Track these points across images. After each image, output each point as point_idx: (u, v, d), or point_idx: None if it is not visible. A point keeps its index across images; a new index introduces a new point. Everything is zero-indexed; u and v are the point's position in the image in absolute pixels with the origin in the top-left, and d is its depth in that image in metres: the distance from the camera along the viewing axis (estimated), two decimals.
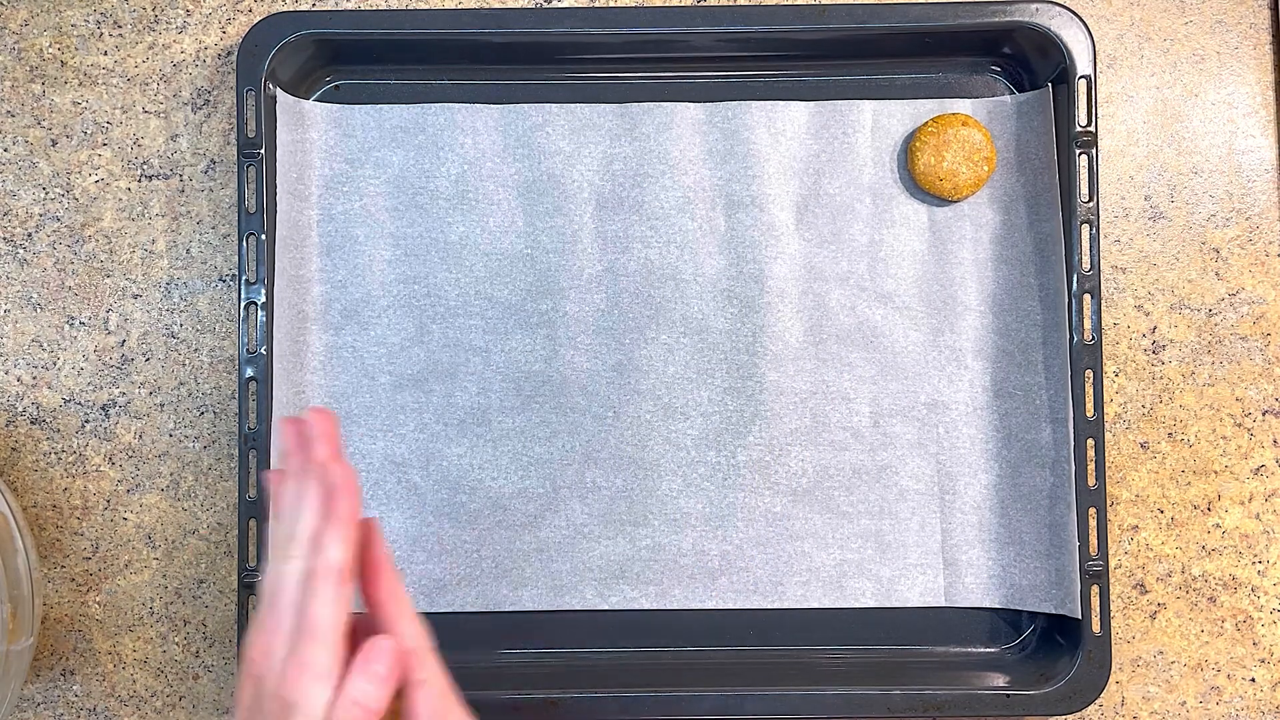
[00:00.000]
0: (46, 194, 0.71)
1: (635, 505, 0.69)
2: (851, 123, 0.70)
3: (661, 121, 0.70)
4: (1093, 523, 0.68)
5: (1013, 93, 0.71)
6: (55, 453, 0.70)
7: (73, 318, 0.71)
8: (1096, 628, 0.67)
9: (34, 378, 0.70)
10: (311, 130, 0.70)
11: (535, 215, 0.70)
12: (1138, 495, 0.71)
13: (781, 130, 0.70)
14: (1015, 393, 0.69)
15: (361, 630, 0.49)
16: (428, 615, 0.69)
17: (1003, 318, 0.70)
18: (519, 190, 0.70)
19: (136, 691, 0.70)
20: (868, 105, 0.70)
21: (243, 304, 0.68)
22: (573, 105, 0.70)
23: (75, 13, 0.72)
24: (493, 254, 0.70)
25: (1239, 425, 0.71)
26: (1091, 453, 0.68)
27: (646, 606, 0.69)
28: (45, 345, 0.71)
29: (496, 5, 0.72)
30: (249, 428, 0.67)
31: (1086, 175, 0.69)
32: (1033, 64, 0.70)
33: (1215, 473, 0.71)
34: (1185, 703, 0.70)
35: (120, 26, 0.72)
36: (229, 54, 0.71)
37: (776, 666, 0.69)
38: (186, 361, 0.71)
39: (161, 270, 0.71)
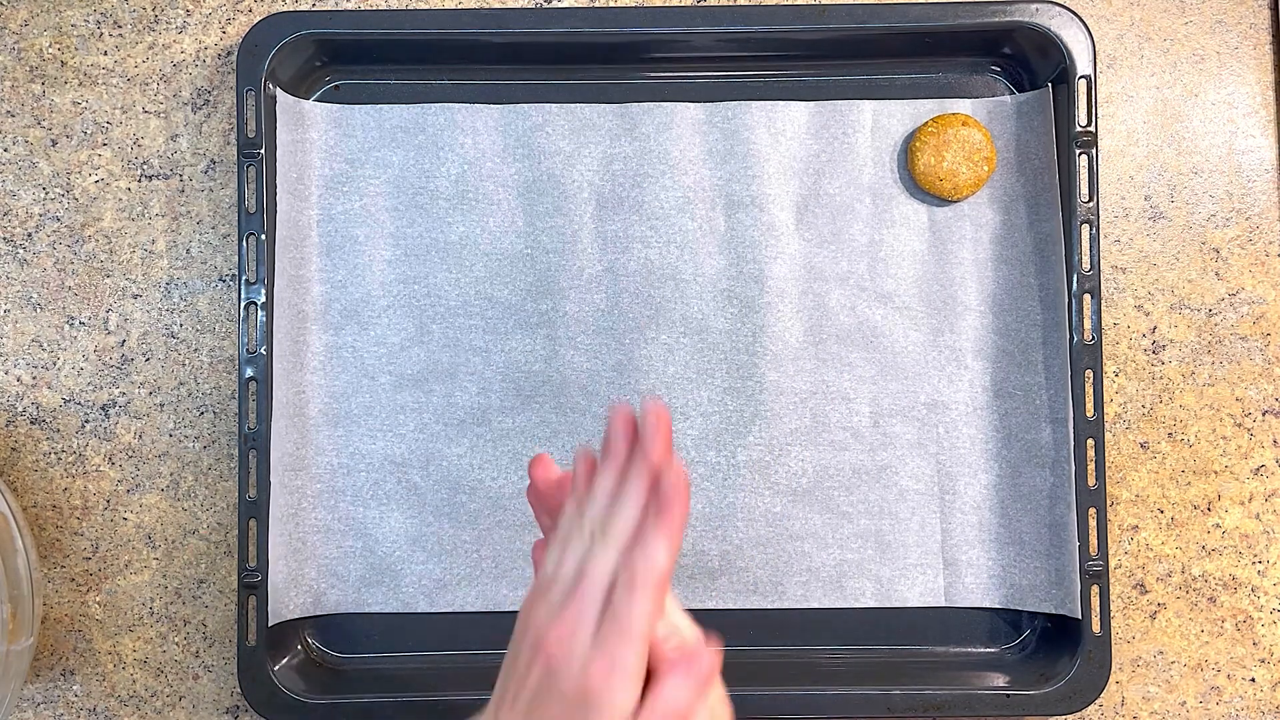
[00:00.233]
0: (46, 194, 0.71)
1: None
2: (851, 123, 0.70)
3: (661, 121, 0.70)
4: (1093, 523, 0.68)
5: (1013, 93, 0.71)
6: (55, 453, 0.70)
7: (73, 318, 0.71)
8: (1096, 628, 0.67)
9: (34, 378, 0.70)
10: (311, 130, 0.70)
11: (535, 215, 0.70)
12: (1138, 495, 0.71)
13: (781, 130, 0.70)
14: (1015, 393, 0.69)
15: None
16: (428, 615, 0.69)
17: (1003, 318, 0.70)
18: (519, 190, 0.70)
19: (136, 691, 0.70)
20: (868, 105, 0.70)
21: (243, 304, 0.68)
22: (573, 105, 0.70)
23: (75, 13, 0.72)
24: (493, 254, 0.70)
25: (1239, 425, 0.71)
26: (1091, 453, 0.68)
27: None
28: (45, 345, 0.71)
29: (496, 5, 0.72)
30: (249, 428, 0.67)
31: (1086, 175, 0.69)
32: (1033, 64, 0.70)
33: (1215, 473, 0.71)
34: (1185, 703, 0.70)
35: (120, 26, 0.72)
36: (229, 54, 0.71)
37: (776, 666, 0.69)
38: (186, 361, 0.71)
39: (161, 270, 0.71)
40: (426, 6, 0.72)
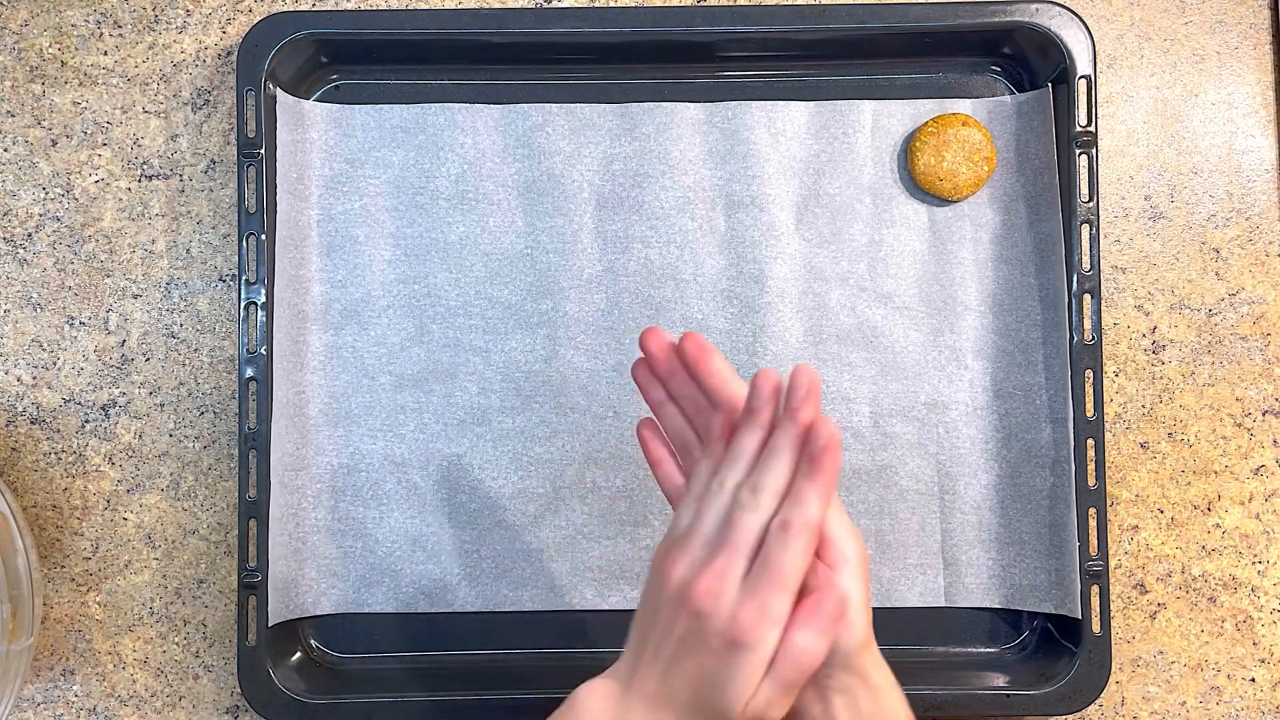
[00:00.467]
0: (46, 194, 0.71)
1: (635, 505, 0.69)
2: (851, 123, 0.70)
3: (661, 121, 0.70)
4: (1093, 523, 0.68)
5: (1013, 93, 0.71)
6: (55, 453, 0.70)
7: (73, 318, 0.71)
8: (1096, 628, 0.67)
9: (34, 378, 0.70)
10: (311, 130, 0.70)
11: (535, 215, 0.70)
12: (1138, 495, 0.71)
13: (781, 130, 0.70)
14: (1015, 393, 0.69)
15: None
16: (428, 615, 0.69)
17: (1003, 318, 0.70)
18: (519, 190, 0.70)
19: (136, 691, 0.70)
20: (868, 105, 0.70)
21: (243, 304, 0.68)
22: (573, 105, 0.70)
23: (75, 13, 0.72)
24: (493, 254, 0.70)
25: (1239, 425, 0.71)
26: (1091, 453, 0.68)
27: None
28: (45, 345, 0.71)
29: (496, 5, 0.72)
30: (249, 428, 0.67)
31: (1086, 175, 0.69)
32: (1033, 64, 0.70)
33: (1215, 473, 0.71)
34: (1185, 703, 0.70)
35: (120, 26, 0.72)
36: (229, 54, 0.71)
37: None
38: (186, 361, 0.71)
39: (161, 270, 0.71)
40: (426, 6, 0.72)
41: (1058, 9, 0.69)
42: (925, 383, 0.70)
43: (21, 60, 0.72)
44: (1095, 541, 0.67)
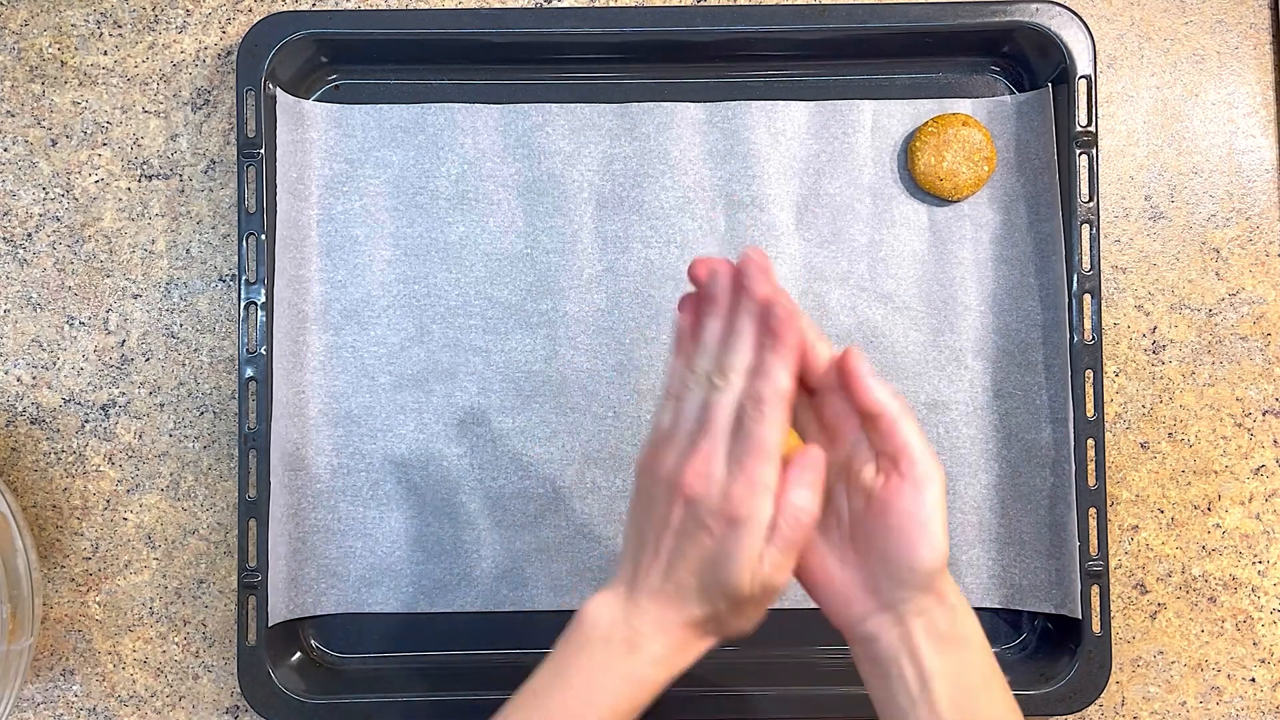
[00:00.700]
0: (46, 194, 0.71)
1: None
2: (851, 123, 0.70)
3: (661, 121, 0.70)
4: (1093, 523, 0.67)
5: (1013, 93, 0.71)
6: (55, 453, 0.70)
7: (73, 318, 0.71)
8: (1097, 628, 0.67)
9: (34, 378, 0.70)
10: (311, 130, 0.70)
11: (535, 215, 0.70)
12: (1138, 495, 0.71)
13: (781, 130, 0.70)
14: (1015, 393, 0.69)
15: None
16: (428, 615, 0.69)
17: (1003, 318, 0.70)
18: (519, 190, 0.70)
19: (136, 691, 0.70)
20: (868, 105, 0.70)
21: (243, 304, 0.68)
22: (573, 105, 0.70)
23: (75, 12, 0.72)
24: (493, 254, 0.70)
25: (1239, 425, 0.71)
26: (1091, 453, 0.68)
27: None
28: (45, 345, 0.71)
29: (496, 5, 0.72)
30: (249, 428, 0.67)
31: (1087, 175, 0.69)
32: (1033, 64, 0.70)
33: (1215, 473, 0.71)
34: (1185, 703, 0.70)
35: (120, 26, 0.72)
36: (229, 54, 0.71)
37: (776, 666, 0.69)
38: (186, 361, 0.71)
39: (161, 270, 0.71)
40: (426, 6, 0.72)
41: (1058, 9, 0.68)
42: (925, 383, 0.70)
43: (21, 60, 0.72)
44: (1095, 541, 0.67)
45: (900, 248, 0.70)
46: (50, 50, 0.72)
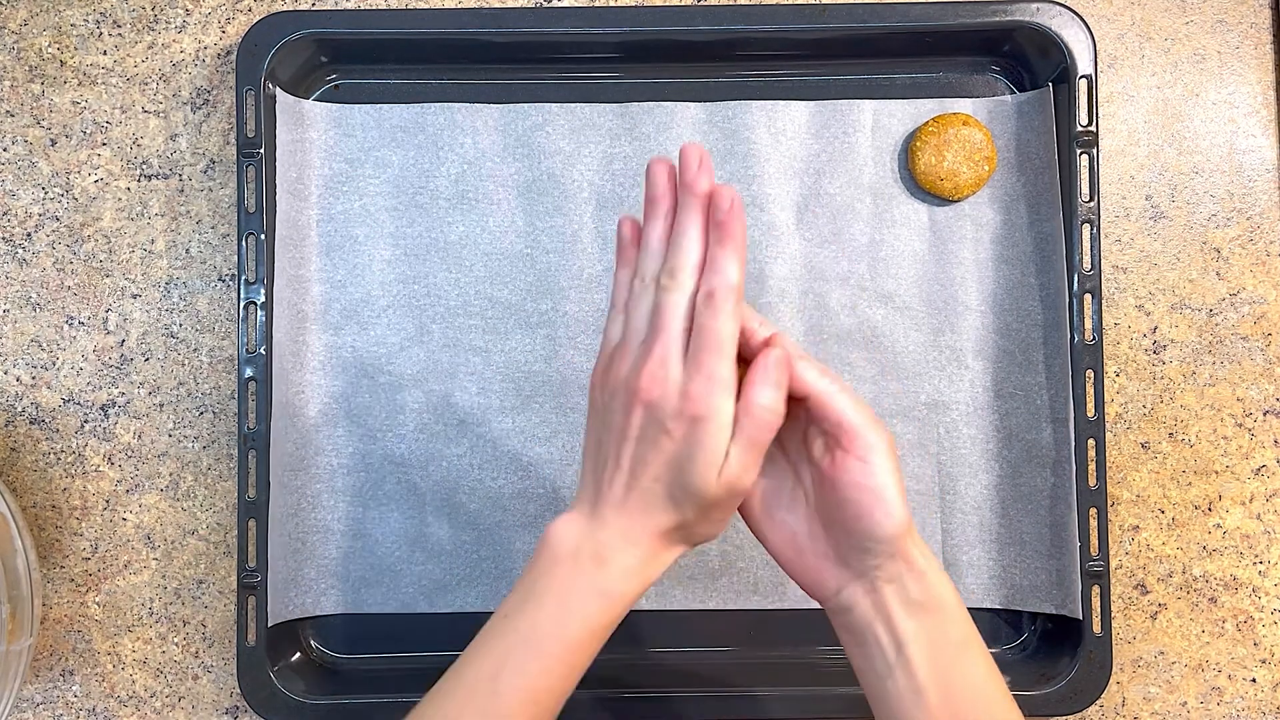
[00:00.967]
0: (46, 194, 0.71)
1: None
2: (852, 122, 0.70)
3: (661, 121, 0.70)
4: (1093, 523, 0.67)
5: (1013, 92, 0.71)
6: (55, 453, 0.70)
7: (72, 317, 0.71)
8: (1097, 628, 0.67)
9: (33, 378, 0.70)
10: (311, 130, 0.70)
11: (535, 215, 0.70)
12: (1138, 495, 0.71)
13: (782, 130, 0.70)
14: (1016, 393, 0.69)
15: None
16: (428, 616, 0.69)
17: (1003, 318, 0.70)
18: (519, 190, 0.70)
19: (136, 692, 0.70)
20: (868, 105, 0.70)
21: (242, 304, 0.68)
22: (573, 105, 0.70)
23: (74, 12, 0.72)
24: (493, 254, 0.70)
25: (1240, 425, 0.71)
26: (1092, 453, 0.68)
27: (647, 607, 0.69)
28: (45, 345, 0.71)
29: (496, 5, 0.72)
30: (249, 428, 0.67)
31: (1087, 175, 0.68)
32: (1033, 63, 0.70)
33: (1216, 473, 0.71)
34: (1186, 703, 0.70)
35: (120, 26, 0.72)
36: (229, 53, 0.71)
37: (776, 666, 0.69)
38: (186, 361, 0.71)
39: (161, 270, 0.71)
40: (426, 6, 0.71)
41: (1058, 8, 0.68)
42: (926, 383, 0.70)
43: (21, 60, 0.71)
44: (1096, 542, 0.67)
45: (900, 247, 0.70)
46: (50, 50, 0.72)
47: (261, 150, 0.68)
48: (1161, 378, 0.71)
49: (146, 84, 0.71)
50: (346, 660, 0.70)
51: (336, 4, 0.72)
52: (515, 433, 0.69)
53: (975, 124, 0.69)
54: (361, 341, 0.70)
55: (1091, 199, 0.68)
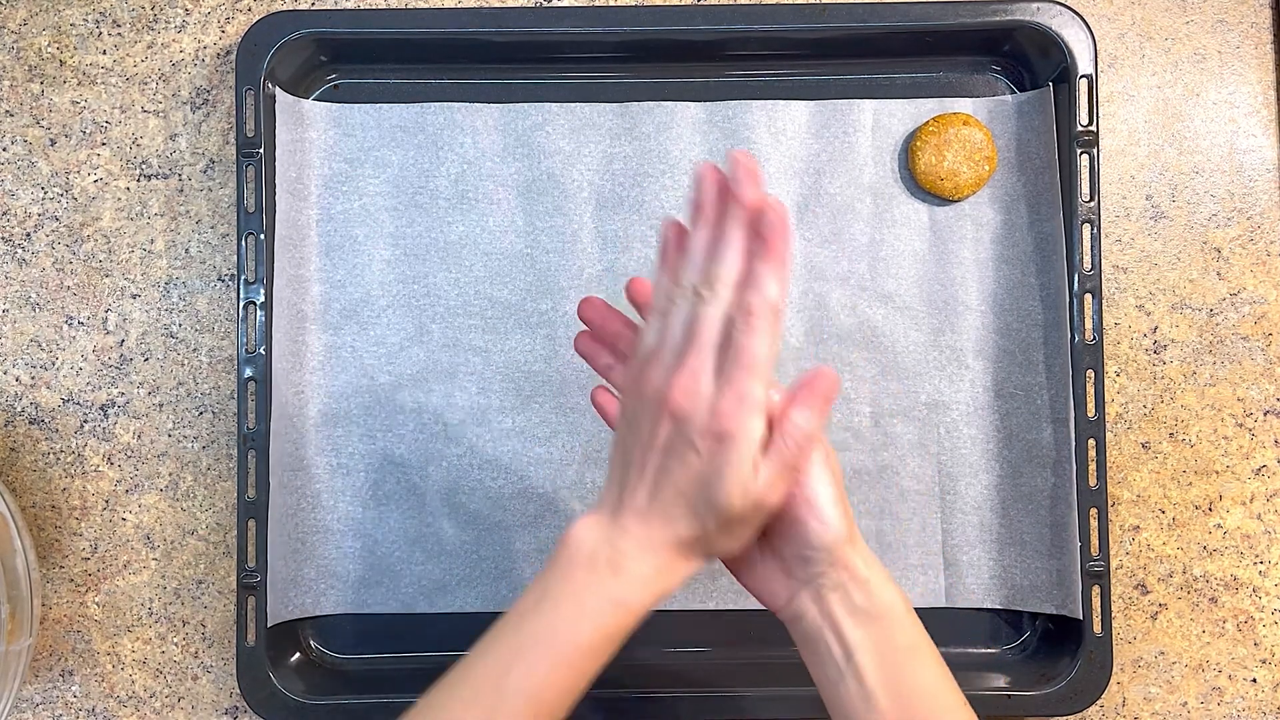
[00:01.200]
0: (45, 194, 0.71)
1: None
2: (852, 122, 0.70)
3: (661, 121, 0.70)
4: (1094, 523, 0.67)
5: (1014, 92, 0.71)
6: (54, 453, 0.70)
7: (72, 317, 0.71)
8: (1098, 628, 0.67)
9: (33, 378, 0.70)
10: (311, 130, 0.70)
11: (535, 215, 0.70)
12: (1139, 495, 0.71)
13: (782, 130, 0.70)
14: (1016, 393, 0.69)
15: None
16: (427, 616, 0.69)
17: (1003, 317, 0.70)
18: (519, 190, 0.70)
19: (135, 692, 0.70)
20: (868, 105, 0.70)
21: (242, 304, 0.68)
22: (573, 105, 0.70)
23: (74, 12, 0.72)
24: (493, 254, 0.70)
25: (1240, 425, 0.71)
26: (1092, 453, 0.68)
27: None
28: (44, 345, 0.70)
29: (496, 5, 0.72)
30: (248, 428, 0.67)
31: (1088, 175, 0.68)
32: (1034, 63, 0.70)
33: (1216, 473, 0.71)
34: (1186, 703, 0.70)
35: (119, 26, 0.72)
36: (228, 53, 0.71)
37: (777, 666, 0.68)
38: (185, 361, 0.71)
39: (160, 270, 0.71)
40: (426, 6, 0.71)
41: (1059, 8, 0.68)
42: (926, 383, 0.70)
43: (20, 59, 0.71)
44: (1096, 542, 0.67)
45: (901, 247, 0.70)
46: (49, 49, 0.71)
47: (261, 150, 0.68)
48: (1162, 378, 0.71)
49: (146, 84, 0.71)
50: (346, 660, 0.70)
51: (336, 4, 0.72)
52: (515, 433, 0.69)
53: (975, 124, 0.69)
54: (361, 341, 0.70)
55: (1092, 199, 0.68)
